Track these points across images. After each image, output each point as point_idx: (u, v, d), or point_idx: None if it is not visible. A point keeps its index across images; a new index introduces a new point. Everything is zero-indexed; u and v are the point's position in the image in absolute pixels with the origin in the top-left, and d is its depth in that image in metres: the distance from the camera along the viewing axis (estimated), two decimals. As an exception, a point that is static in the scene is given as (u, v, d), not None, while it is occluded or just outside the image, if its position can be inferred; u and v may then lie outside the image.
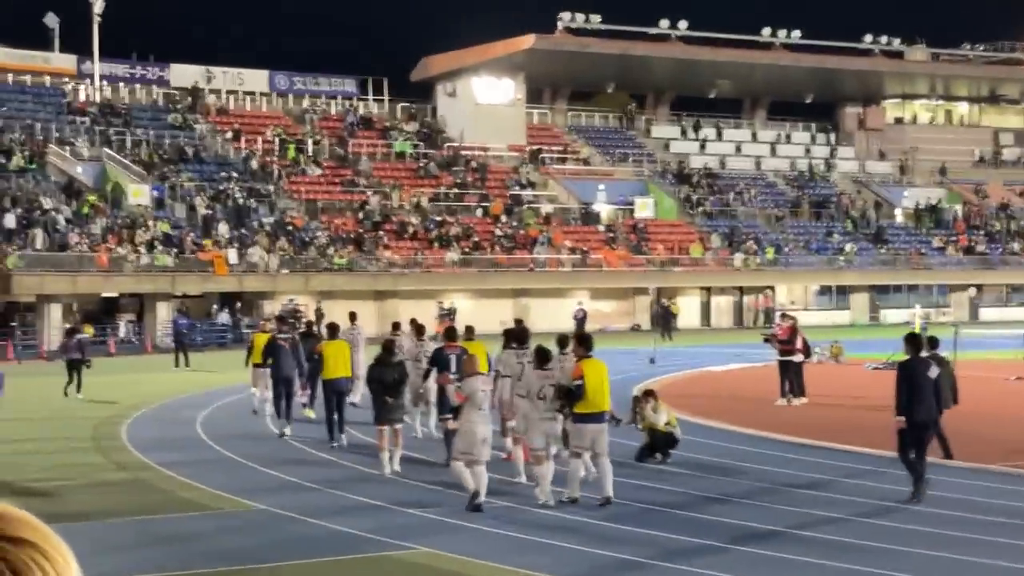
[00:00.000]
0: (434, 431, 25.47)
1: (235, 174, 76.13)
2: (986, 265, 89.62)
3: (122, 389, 38.44)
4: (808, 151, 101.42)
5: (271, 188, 76.24)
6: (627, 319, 79.20)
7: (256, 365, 30.02)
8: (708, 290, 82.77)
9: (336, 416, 25.49)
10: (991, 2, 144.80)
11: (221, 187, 73.89)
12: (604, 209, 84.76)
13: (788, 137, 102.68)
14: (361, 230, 74.23)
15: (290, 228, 72.13)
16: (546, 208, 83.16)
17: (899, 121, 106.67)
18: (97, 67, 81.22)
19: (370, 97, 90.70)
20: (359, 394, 30.76)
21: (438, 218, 77.76)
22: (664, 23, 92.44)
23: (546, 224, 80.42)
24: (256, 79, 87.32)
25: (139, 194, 69.46)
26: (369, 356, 27.02)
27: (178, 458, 23.43)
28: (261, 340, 29.94)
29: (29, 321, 63.65)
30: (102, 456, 24.71)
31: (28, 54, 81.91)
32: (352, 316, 34.67)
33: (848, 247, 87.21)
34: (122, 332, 64.35)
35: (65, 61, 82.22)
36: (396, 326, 30.30)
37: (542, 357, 19.18)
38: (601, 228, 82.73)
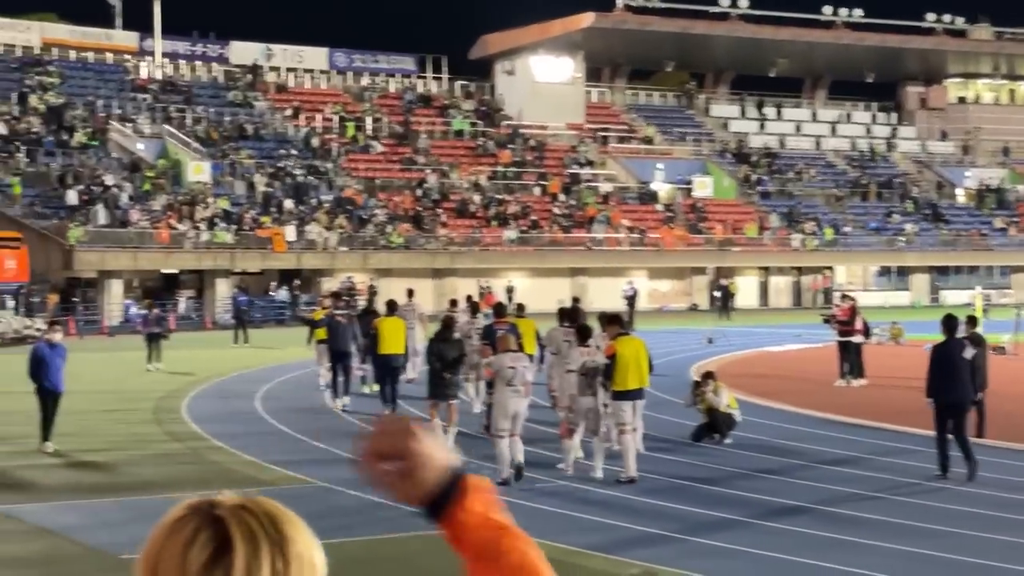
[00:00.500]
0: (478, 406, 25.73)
1: (294, 151, 76.43)
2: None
3: (184, 364, 38.75)
4: (869, 131, 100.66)
5: (330, 166, 76.49)
6: (685, 299, 79.01)
7: (320, 342, 30.28)
8: (766, 270, 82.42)
9: (389, 389, 25.85)
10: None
11: (280, 164, 74.22)
12: (662, 188, 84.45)
13: (849, 116, 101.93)
14: (419, 208, 74.36)
15: (349, 206, 72.36)
16: (604, 187, 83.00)
17: (962, 100, 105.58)
18: (158, 44, 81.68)
19: (429, 75, 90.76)
20: (417, 370, 30.86)
21: (496, 196, 77.80)
22: (724, 1, 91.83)
23: (604, 203, 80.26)
24: (315, 57, 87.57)
25: (199, 171, 69.89)
26: (428, 333, 27.20)
27: (237, 431, 23.64)
28: (321, 317, 30.35)
29: (90, 297, 64.21)
30: (161, 428, 25.05)
31: (90, 31, 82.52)
32: (410, 293, 34.94)
33: (908, 227, 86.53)
34: (182, 308, 64.80)
35: (127, 38, 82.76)
36: (454, 303, 30.64)
37: (583, 334, 19.55)
38: (659, 207, 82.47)
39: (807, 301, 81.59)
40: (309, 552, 1.94)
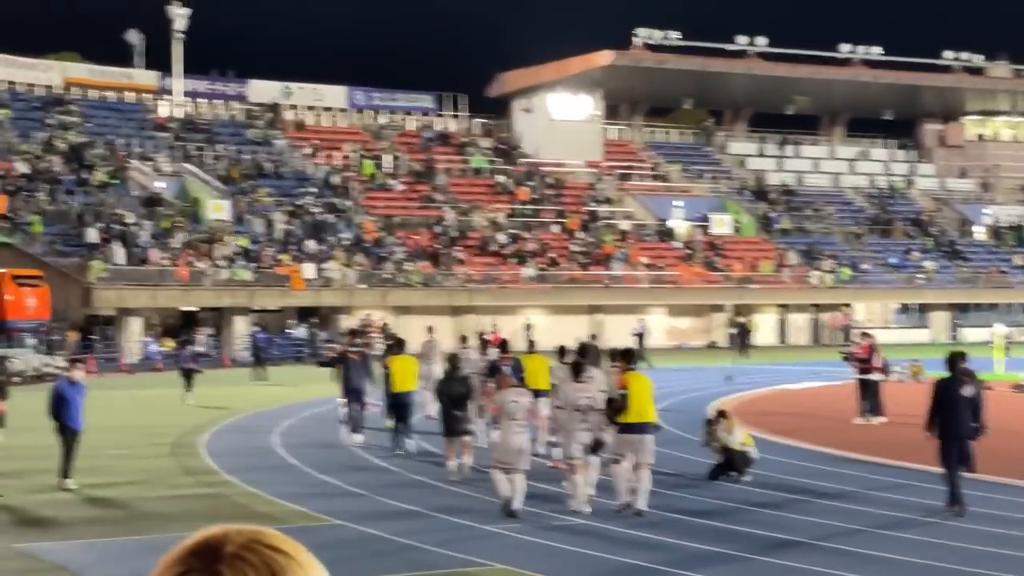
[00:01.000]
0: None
1: (313, 189, 76.69)
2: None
3: (206, 401, 38.82)
4: (887, 168, 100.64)
5: (348, 204, 76.71)
6: (703, 336, 78.90)
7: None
8: (785, 307, 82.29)
9: (403, 425, 26.37)
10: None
11: (299, 202, 74.47)
12: (680, 226, 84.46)
13: (867, 154, 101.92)
14: (438, 245, 74.50)
15: (367, 244, 72.53)
16: (622, 224, 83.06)
17: (980, 138, 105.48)
18: (178, 83, 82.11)
19: (447, 113, 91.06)
20: (435, 406, 30.97)
21: (514, 233, 77.92)
22: (742, 39, 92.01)
23: (622, 240, 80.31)
24: (334, 95, 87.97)
25: (219, 209, 70.17)
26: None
27: (256, 475, 23.59)
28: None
29: (109, 334, 64.38)
30: (179, 464, 25.23)
31: (111, 70, 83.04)
32: (430, 329, 35.61)
33: (928, 265, 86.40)
34: (201, 346, 64.82)
35: (147, 77, 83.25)
36: (464, 340, 31.08)
37: (578, 369, 19.71)
38: (677, 245, 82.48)
39: (826, 338, 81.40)
40: None
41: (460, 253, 74.40)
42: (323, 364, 35.79)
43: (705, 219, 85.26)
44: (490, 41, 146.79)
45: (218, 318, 67.84)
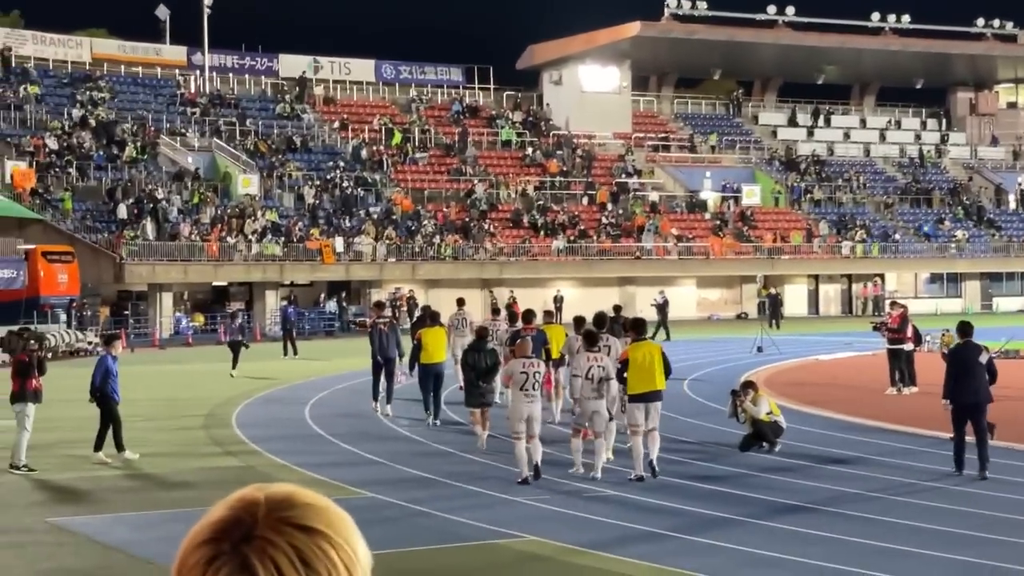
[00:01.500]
0: None
1: (342, 163, 76.76)
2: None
3: (247, 374, 38.97)
4: (918, 137, 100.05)
5: (378, 177, 76.75)
6: (734, 307, 78.77)
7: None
8: (816, 278, 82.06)
9: (432, 396, 26.61)
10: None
11: (328, 176, 74.57)
12: (710, 197, 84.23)
13: (898, 123, 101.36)
14: (467, 218, 74.49)
15: (396, 217, 72.60)
16: (652, 196, 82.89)
17: (1012, 106, 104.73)
18: (207, 58, 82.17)
19: (476, 86, 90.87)
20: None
21: (544, 205, 77.85)
22: (771, 9, 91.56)
23: (652, 212, 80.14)
24: (363, 68, 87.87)
25: (248, 184, 70.33)
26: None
27: (282, 445, 23.74)
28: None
29: (141, 310, 64.69)
30: (209, 435, 25.52)
31: (140, 46, 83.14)
32: (460, 302, 35.67)
33: (960, 234, 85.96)
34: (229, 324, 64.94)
35: (176, 53, 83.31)
36: (495, 312, 31.44)
37: (590, 339, 20.05)
38: (707, 216, 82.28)
39: (857, 309, 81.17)
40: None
41: (490, 226, 74.40)
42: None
43: (735, 190, 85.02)
44: (519, 13, 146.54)
45: (249, 293, 68.10)
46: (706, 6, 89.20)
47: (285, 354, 48.09)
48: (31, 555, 14.91)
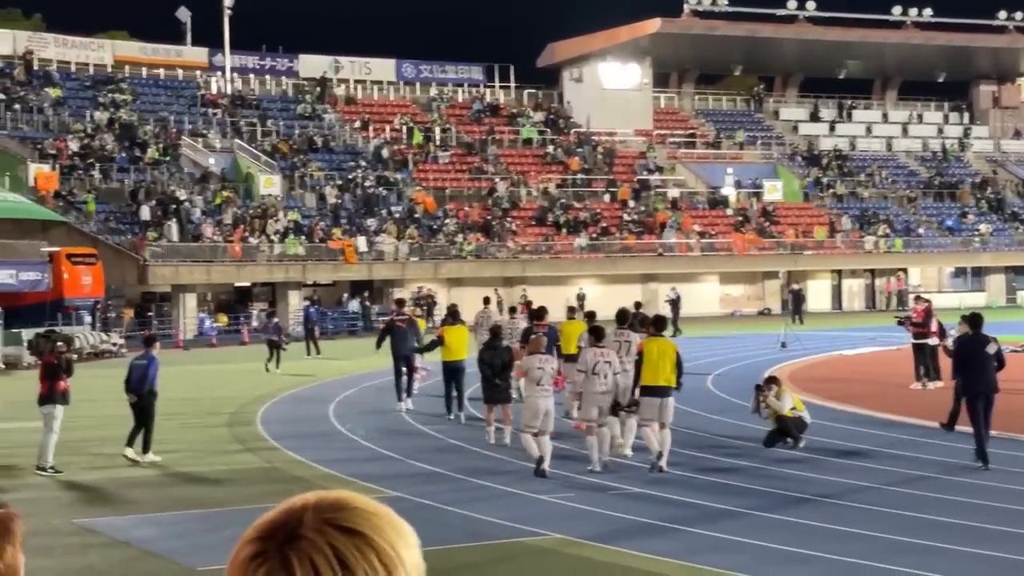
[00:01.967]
0: None
1: (364, 163, 76.85)
2: None
3: (260, 376, 39.09)
4: (941, 131, 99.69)
5: (399, 176, 76.81)
6: (757, 303, 78.62)
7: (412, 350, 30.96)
8: (839, 273, 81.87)
9: (455, 393, 27.04)
10: None
11: (350, 176, 74.67)
12: (732, 193, 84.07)
13: (920, 117, 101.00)
14: (489, 217, 74.51)
15: (418, 216, 72.66)
16: (674, 192, 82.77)
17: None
18: (228, 59, 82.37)
19: (496, 84, 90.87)
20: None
21: (565, 203, 77.80)
22: (792, 4, 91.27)
23: (674, 208, 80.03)
24: (383, 68, 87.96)
25: (270, 184, 70.48)
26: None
27: (301, 442, 23.85)
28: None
29: (165, 311, 64.86)
30: (232, 434, 25.79)
31: (161, 48, 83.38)
32: (486, 300, 36.49)
33: (983, 228, 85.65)
34: (255, 321, 65.20)
35: (197, 54, 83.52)
36: (512, 311, 31.82)
37: (597, 334, 20.46)
38: (729, 212, 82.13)
39: (881, 303, 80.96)
40: None
41: (512, 224, 74.40)
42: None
43: (757, 186, 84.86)
44: (539, 11, 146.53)
45: (272, 293, 68.23)
46: (726, 2, 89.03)
47: (308, 354, 48.24)
48: (60, 557, 14.96)
